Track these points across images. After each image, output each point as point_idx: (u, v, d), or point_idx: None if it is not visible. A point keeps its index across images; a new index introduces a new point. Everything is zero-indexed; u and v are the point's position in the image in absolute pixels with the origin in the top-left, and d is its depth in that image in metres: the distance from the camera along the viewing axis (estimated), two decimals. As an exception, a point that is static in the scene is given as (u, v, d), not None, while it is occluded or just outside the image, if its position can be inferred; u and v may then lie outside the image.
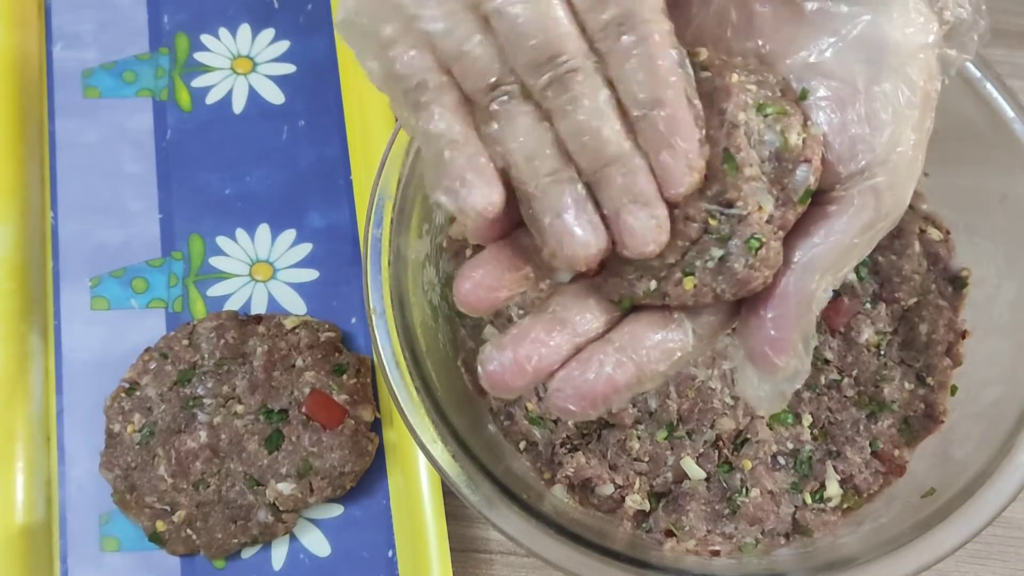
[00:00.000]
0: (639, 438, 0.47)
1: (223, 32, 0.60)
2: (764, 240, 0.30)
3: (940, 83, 0.33)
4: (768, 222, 0.30)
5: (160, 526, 0.49)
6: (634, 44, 0.29)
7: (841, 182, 0.31)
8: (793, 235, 0.32)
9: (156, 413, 0.50)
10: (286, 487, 0.49)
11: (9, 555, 0.47)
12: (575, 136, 0.29)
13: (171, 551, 0.49)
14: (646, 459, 0.47)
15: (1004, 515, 0.41)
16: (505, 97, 0.30)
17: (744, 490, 0.46)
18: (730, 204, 0.30)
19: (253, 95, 0.58)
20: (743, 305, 0.32)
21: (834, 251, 0.31)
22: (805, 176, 0.30)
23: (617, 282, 0.32)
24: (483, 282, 0.31)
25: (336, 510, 0.51)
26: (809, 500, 0.47)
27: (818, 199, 0.32)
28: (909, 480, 0.47)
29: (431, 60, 0.30)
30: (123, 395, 0.51)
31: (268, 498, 0.49)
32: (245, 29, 0.60)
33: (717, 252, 0.30)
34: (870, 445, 0.48)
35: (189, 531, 0.49)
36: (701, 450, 0.47)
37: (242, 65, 0.59)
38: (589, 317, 0.32)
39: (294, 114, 0.58)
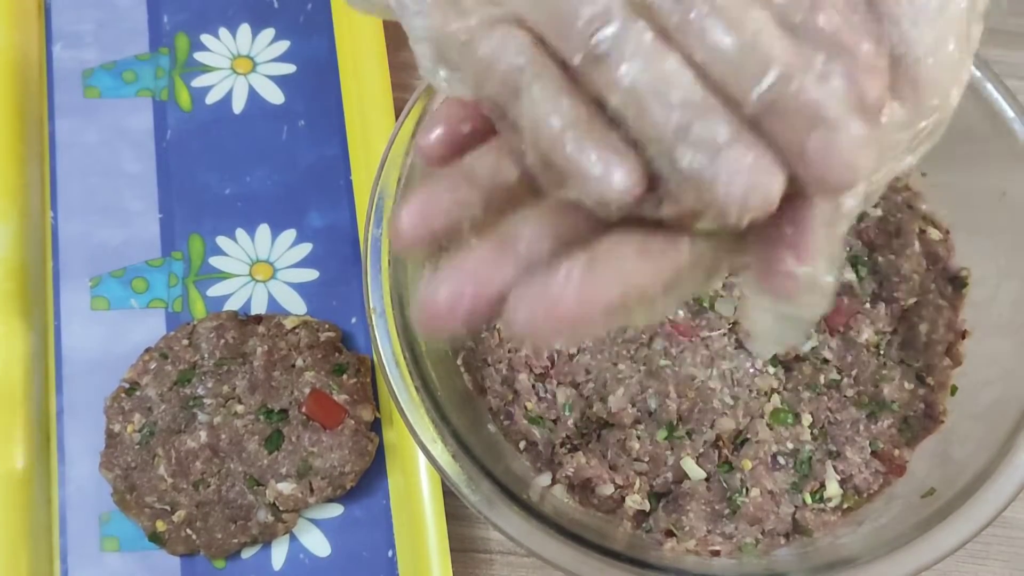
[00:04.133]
0: (639, 438, 0.47)
1: (223, 32, 0.60)
2: None
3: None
4: None
5: (160, 526, 0.49)
6: None
7: None
8: None
9: (156, 413, 0.50)
10: (286, 487, 0.49)
11: (9, 555, 0.47)
12: (720, 57, 0.23)
13: (171, 551, 0.49)
14: (646, 459, 0.47)
15: (1004, 515, 0.40)
16: (611, 28, 0.23)
17: (744, 490, 0.46)
18: None
19: (253, 95, 0.58)
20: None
21: None
22: None
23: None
24: (424, 209, 0.25)
25: (336, 510, 0.51)
26: (809, 500, 0.47)
27: None
28: (909, 480, 0.47)
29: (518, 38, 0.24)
30: (123, 395, 0.51)
31: (268, 498, 0.49)
32: (245, 29, 0.60)
33: None
34: (870, 445, 0.48)
35: (189, 531, 0.49)
36: (701, 450, 0.47)
37: (242, 65, 0.59)
38: (555, 235, 0.25)
39: (294, 114, 0.58)
